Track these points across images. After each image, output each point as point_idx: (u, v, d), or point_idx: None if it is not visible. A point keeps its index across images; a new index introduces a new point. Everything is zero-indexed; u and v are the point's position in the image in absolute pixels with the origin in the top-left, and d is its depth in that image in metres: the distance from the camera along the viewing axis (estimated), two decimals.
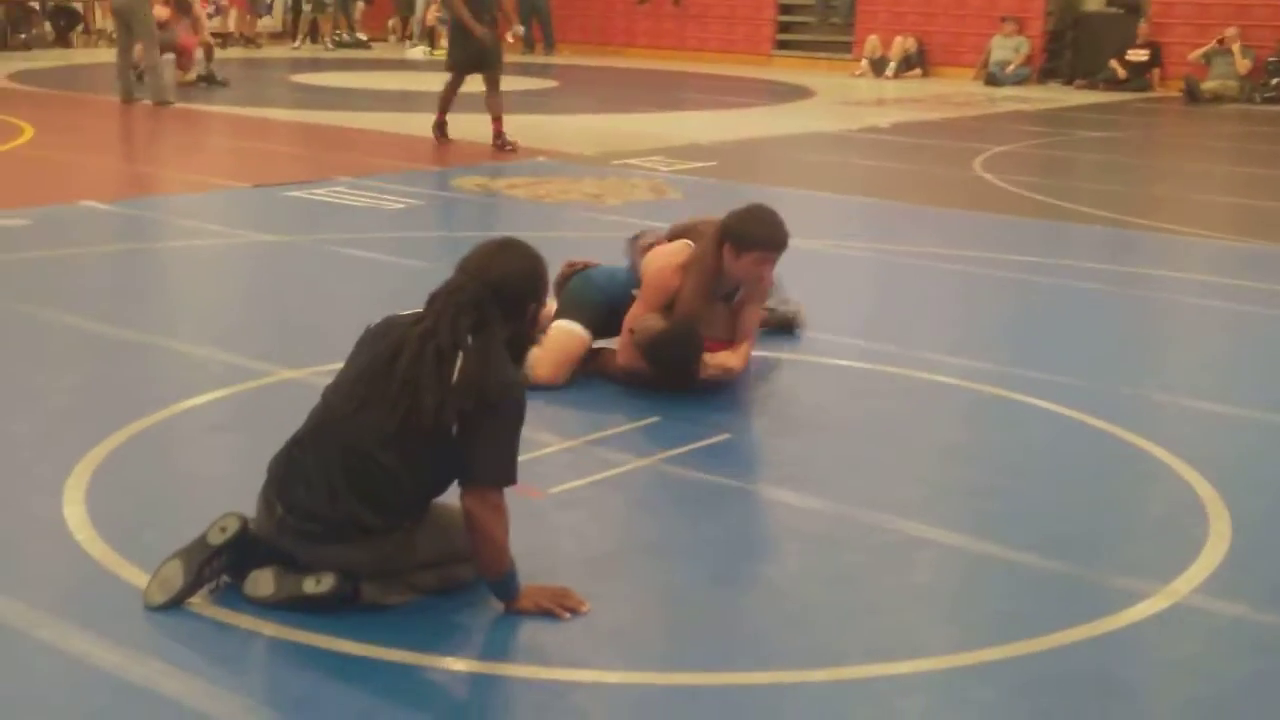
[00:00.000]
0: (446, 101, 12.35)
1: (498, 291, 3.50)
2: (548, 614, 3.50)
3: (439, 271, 7.70)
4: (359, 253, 7.86)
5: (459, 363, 3.41)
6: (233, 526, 3.53)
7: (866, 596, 3.77)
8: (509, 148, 12.03)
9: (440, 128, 12.46)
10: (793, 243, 5.54)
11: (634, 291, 5.53)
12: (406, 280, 7.36)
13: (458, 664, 3.32)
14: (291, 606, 3.46)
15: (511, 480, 3.48)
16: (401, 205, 9.39)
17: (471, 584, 3.61)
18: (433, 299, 3.54)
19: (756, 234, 5.31)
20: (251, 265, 7.87)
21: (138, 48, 14.77)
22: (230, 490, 4.42)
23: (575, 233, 8.77)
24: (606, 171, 11.21)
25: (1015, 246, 8.78)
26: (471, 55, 11.85)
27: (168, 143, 13.23)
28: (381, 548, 3.51)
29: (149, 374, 5.60)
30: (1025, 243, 8.98)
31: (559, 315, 5.55)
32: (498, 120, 12.06)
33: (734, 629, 3.54)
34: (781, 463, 4.90)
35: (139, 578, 3.62)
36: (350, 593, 3.46)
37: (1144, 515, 4.49)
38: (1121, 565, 3.98)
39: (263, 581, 3.50)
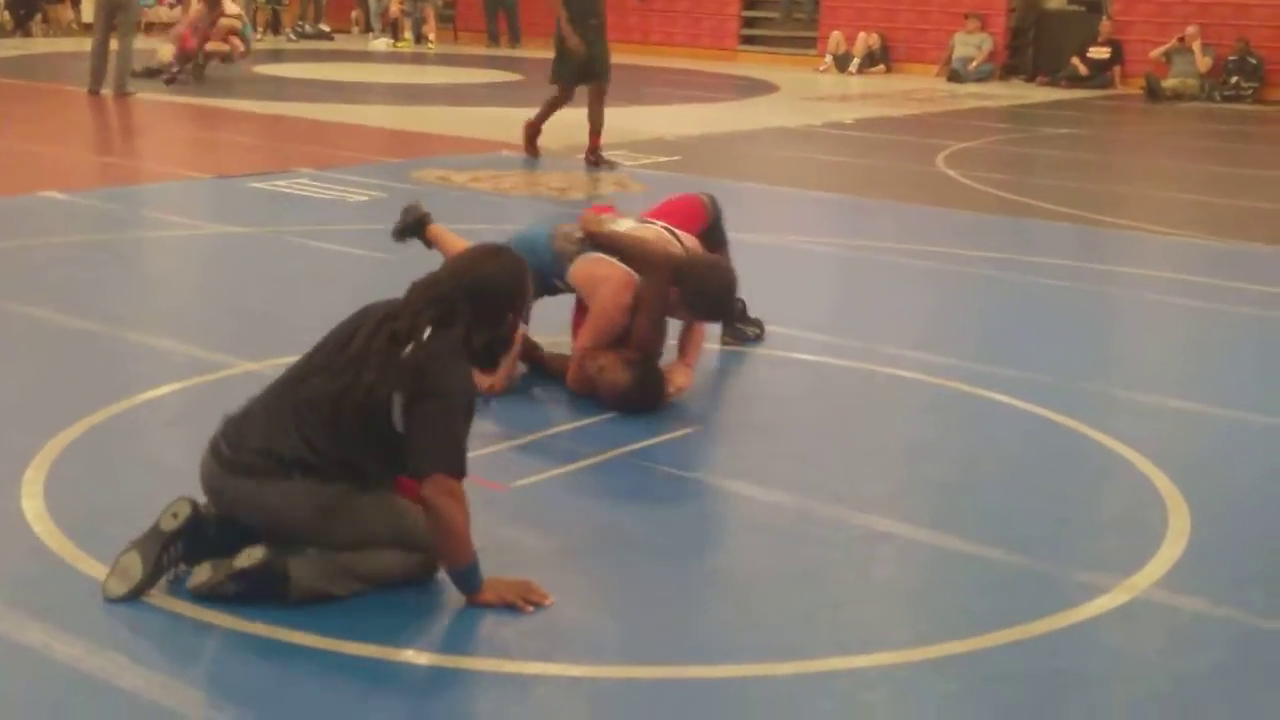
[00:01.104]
0: (545, 116, 11.40)
1: (472, 294, 3.53)
2: (510, 607, 3.49)
3: (401, 263, 7.67)
4: (321, 244, 7.82)
5: (408, 350, 3.45)
6: (184, 511, 3.51)
7: (829, 591, 3.78)
8: (605, 165, 11.13)
9: (532, 140, 11.44)
10: (757, 238, 5.55)
11: (558, 282, 5.43)
12: (368, 272, 7.34)
13: (419, 657, 3.31)
14: (227, 591, 3.41)
15: (460, 469, 3.46)
16: (364, 197, 9.34)
17: (428, 579, 3.59)
18: (410, 289, 3.60)
19: (707, 307, 5.22)
20: (212, 257, 7.82)
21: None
22: (190, 482, 4.37)
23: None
24: (571, 165, 11.18)
25: (979, 242, 8.81)
26: (579, 65, 11.01)
27: (129, 133, 13.14)
28: (324, 493, 3.46)
29: (108, 366, 5.55)
30: (989, 239, 9.02)
31: None
32: (597, 135, 11.21)
33: (697, 623, 3.54)
34: (745, 457, 4.90)
35: (97, 570, 3.59)
36: (280, 569, 3.39)
37: (1105, 510, 4.51)
38: (1082, 560, 4.00)
39: (199, 571, 3.47)
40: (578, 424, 5.01)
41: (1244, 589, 3.85)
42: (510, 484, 4.37)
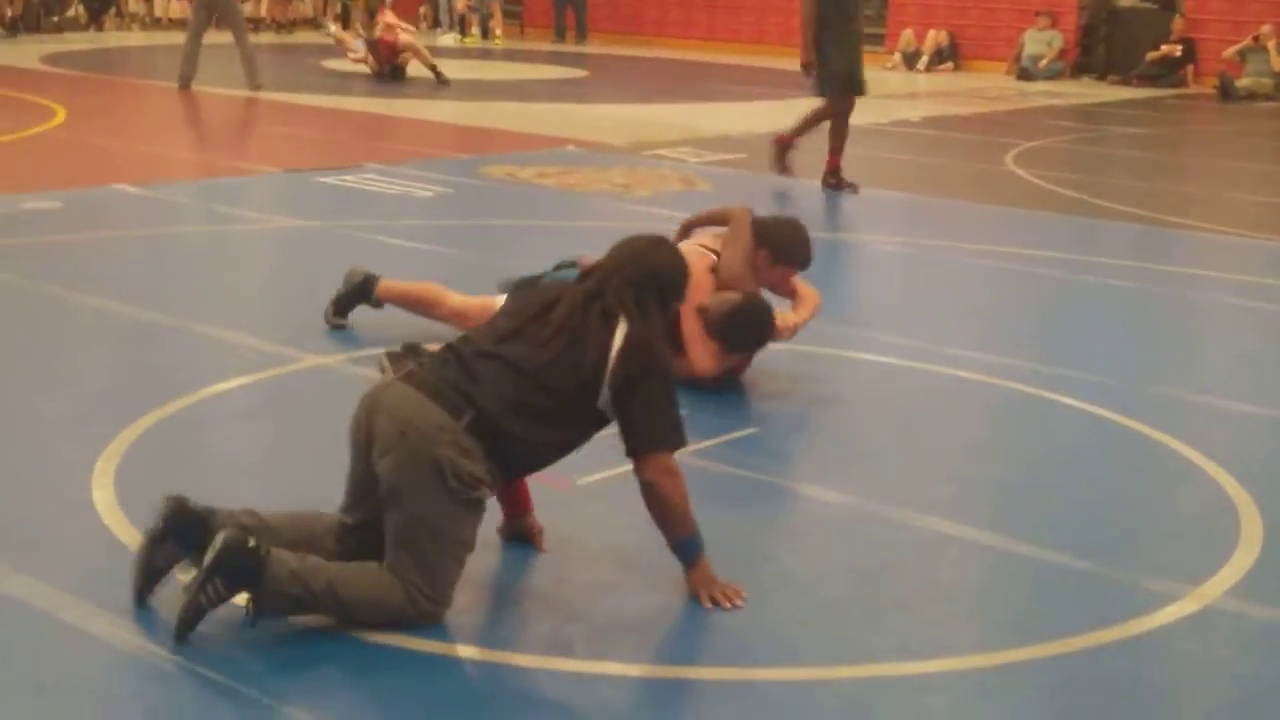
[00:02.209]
0: (805, 130, 10.42)
1: (655, 279, 3.59)
2: (715, 601, 3.54)
3: (469, 259, 7.74)
4: (390, 239, 7.86)
5: (623, 329, 3.47)
6: (163, 508, 3.39)
7: (894, 593, 3.75)
8: (848, 188, 10.15)
9: (784, 155, 10.40)
10: (822, 236, 5.55)
11: None
12: (435, 266, 7.36)
13: (481, 655, 3.31)
14: (204, 600, 3.24)
15: (683, 441, 3.54)
16: (430, 193, 9.39)
17: (409, 628, 3.36)
18: (590, 270, 3.63)
19: (796, 252, 5.46)
20: (282, 251, 7.89)
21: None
22: (256, 475, 4.44)
23: (603, 222, 8.75)
24: (636, 161, 11.18)
25: (1046, 243, 8.73)
26: (843, 74, 10.04)
27: (199, 127, 13.28)
28: (467, 456, 3.33)
29: (178, 358, 5.61)
30: (1056, 239, 8.93)
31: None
32: (838, 153, 10.22)
33: (760, 624, 3.53)
34: (808, 457, 4.89)
35: None
36: (259, 553, 3.23)
37: (1175, 516, 4.46)
38: (1151, 567, 3.95)
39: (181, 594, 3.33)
40: None
41: None
42: (574, 481, 4.37)
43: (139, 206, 8.62)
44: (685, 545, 3.58)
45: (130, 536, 3.80)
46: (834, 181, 10.15)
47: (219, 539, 3.22)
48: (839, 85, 10.10)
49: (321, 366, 5.49)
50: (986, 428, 5.28)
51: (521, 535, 3.91)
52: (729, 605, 3.57)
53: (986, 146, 13.19)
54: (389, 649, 3.29)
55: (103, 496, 4.07)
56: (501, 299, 5.52)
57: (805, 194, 10.09)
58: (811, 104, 10.41)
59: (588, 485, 4.35)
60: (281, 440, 4.83)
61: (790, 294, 5.58)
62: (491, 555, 3.85)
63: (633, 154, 11.57)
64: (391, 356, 5.19)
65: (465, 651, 3.31)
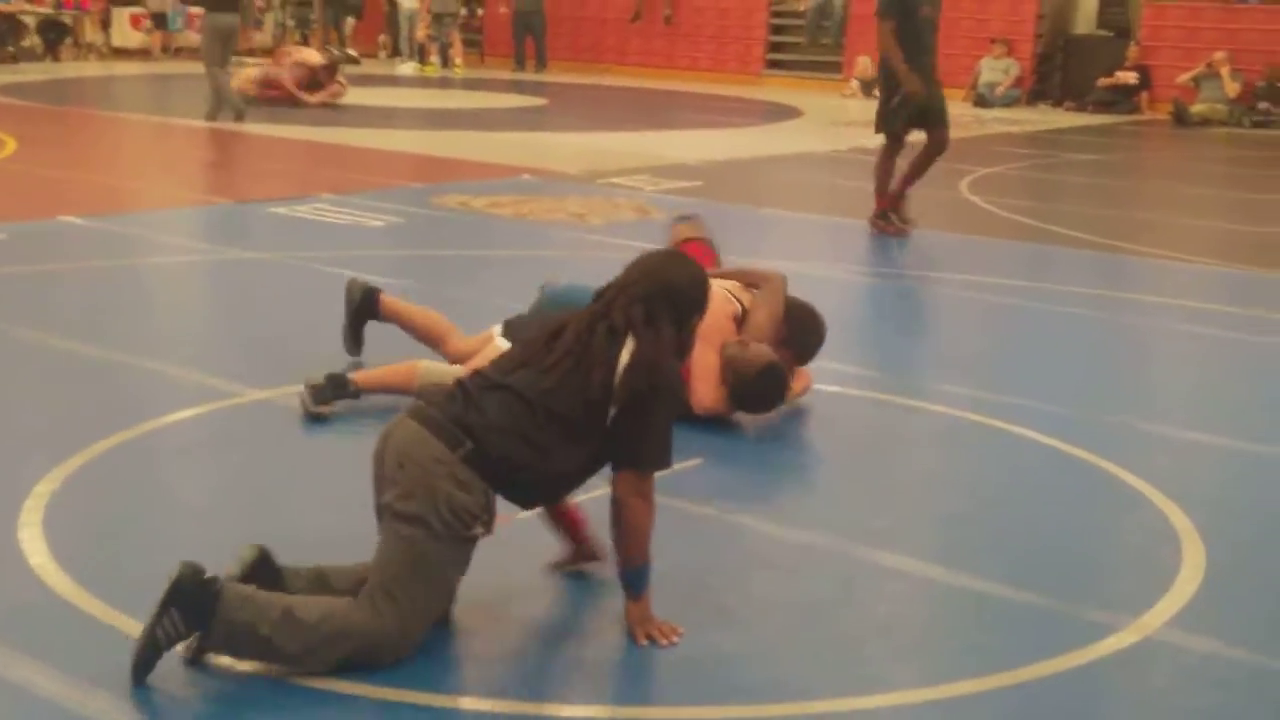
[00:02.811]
0: (886, 177, 9.87)
1: (669, 295, 3.53)
2: (650, 638, 3.49)
3: (420, 290, 7.67)
4: (339, 270, 7.78)
5: (629, 345, 3.43)
6: (249, 556, 3.35)
7: (835, 629, 3.71)
8: (891, 230, 9.70)
9: (886, 213, 9.79)
10: (777, 266, 5.55)
11: None
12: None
13: (444, 700, 3.25)
14: (167, 631, 3.15)
15: (667, 463, 3.50)
16: (382, 223, 9.33)
17: (377, 667, 3.29)
18: (602, 291, 3.58)
19: (807, 349, 5.54)
20: (229, 283, 7.81)
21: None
22: (193, 513, 4.37)
23: (556, 252, 8.72)
24: (591, 190, 11.16)
25: (1001, 270, 8.74)
26: (916, 109, 9.56)
27: (151, 158, 13.18)
28: (468, 490, 3.33)
29: (117, 394, 5.53)
30: (1011, 266, 8.94)
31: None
32: (883, 194, 9.83)
33: (699, 661, 3.47)
34: (753, 489, 4.85)
35: (88, 602, 3.55)
36: (212, 586, 3.17)
37: (1118, 546, 4.43)
38: (1094, 597, 3.92)
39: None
40: None
41: (1258, 628, 3.78)
42: (514, 515, 4.31)
43: (85, 239, 8.54)
44: (635, 575, 3.53)
45: (56, 578, 3.73)
46: (882, 223, 9.75)
47: (175, 571, 3.16)
48: (902, 120, 9.62)
49: (264, 400, 5.42)
50: (935, 458, 5.25)
51: (586, 556, 3.88)
52: (665, 643, 3.51)
53: (942, 173, 13.15)
54: (346, 698, 3.21)
55: (29, 535, 3.99)
56: (498, 331, 5.50)
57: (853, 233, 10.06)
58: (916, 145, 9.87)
59: (529, 518, 4.29)
60: (218, 476, 4.76)
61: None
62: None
63: (588, 183, 11.55)
64: (312, 388, 5.16)
65: (395, 695, 3.24)
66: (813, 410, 5.62)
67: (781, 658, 3.52)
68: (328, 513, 4.40)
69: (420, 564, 3.31)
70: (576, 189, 11.18)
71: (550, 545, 3.95)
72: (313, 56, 17.27)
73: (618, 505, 3.46)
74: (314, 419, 5.14)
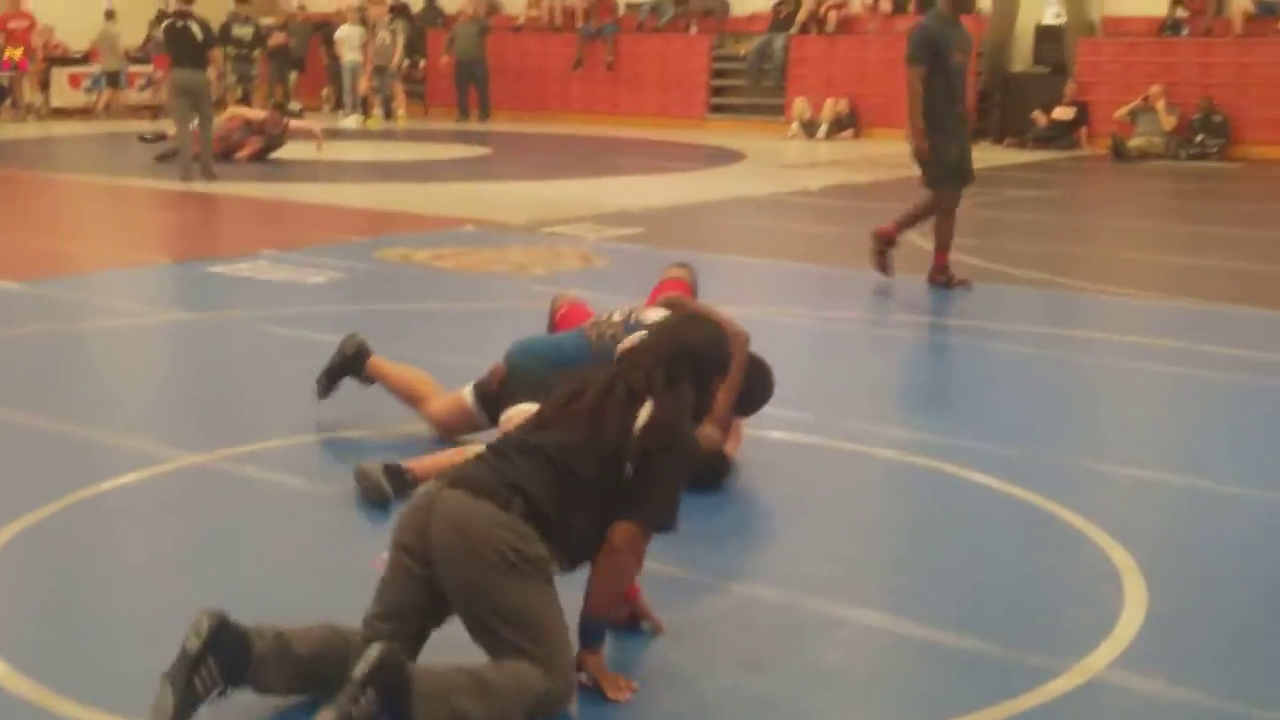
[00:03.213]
0: (911, 224, 9.66)
1: (691, 357, 3.60)
2: (600, 689, 3.47)
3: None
4: (276, 329, 7.74)
5: (648, 407, 3.46)
6: (204, 624, 3.22)
7: (778, 682, 3.67)
8: (957, 284, 9.26)
9: (884, 252, 9.49)
10: (720, 310, 5.50)
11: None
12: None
13: None
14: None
15: (673, 525, 3.49)
16: (324, 279, 9.28)
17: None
18: (625, 354, 3.65)
19: (752, 405, 5.36)
20: (166, 345, 7.73)
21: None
22: (125, 584, 4.29)
23: (498, 303, 8.69)
24: (534, 240, 11.15)
25: (943, 310, 8.77)
26: (955, 163, 9.34)
27: (90, 219, 13.07)
28: (527, 543, 3.31)
29: (53, 461, 5.44)
30: (952, 306, 8.97)
31: (513, 397, 5.19)
32: (946, 250, 9.38)
33: (645, 718, 3.43)
34: (697, 539, 4.79)
35: (26, 686, 3.47)
36: (403, 670, 3.14)
37: (1061, 587, 4.42)
38: (1037, 641, 3.91)
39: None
40: None
41: (1203, 667, 3.77)
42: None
43: (20, 304, 8.44)
44: (598, 626, 3.52)
45: None
46: (943, 279, 9.26)
47: (375, 652, 3.10)
48: (952, 176, 9.36)
49: (200, 465, 5.35)
50: (878, 503, 5.24)
51: (633, 620, 3.87)
52: (623, 698, 3.48)
53: (884, 214, 13.20)
54: None
55: None
56: (468, 393, 5.43)
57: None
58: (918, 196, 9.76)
59: None
60: (159, 544, 4.68)
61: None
62: None
63: (531, 232, 11.54)
64: (372, 475, 4.91)
65: None
66: (756, 458, 5.59)
67: (725, 713, 3.49)
68: (270, 577, 4.34)
69: (533, 618, 3.30)
70: (519, 239, 11.17)
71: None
72: (255, 113, 17.25)
73: (610, 554, 3.45)
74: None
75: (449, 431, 5.54)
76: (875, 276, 9.78)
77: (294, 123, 17.15)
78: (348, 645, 3.35)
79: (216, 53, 15.03)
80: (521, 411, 5.06)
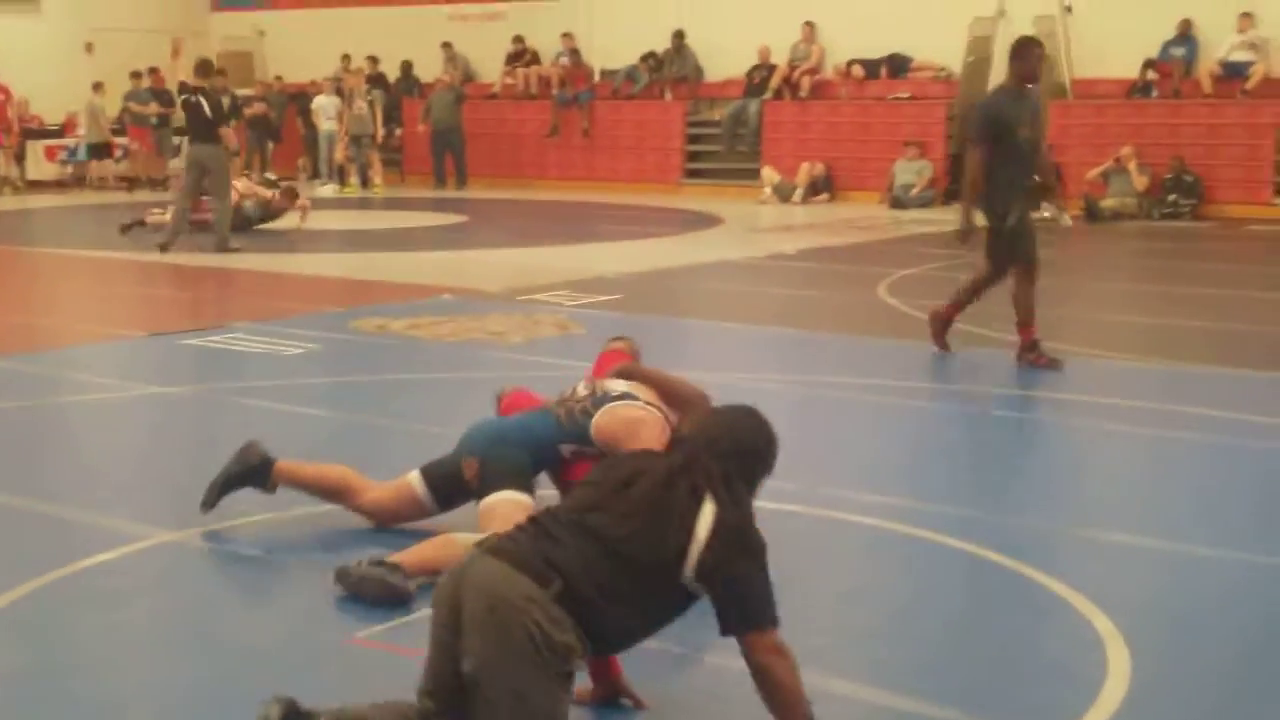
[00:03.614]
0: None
1: (743, 453, 3.61)
2: None
3: (334, 419, 7.56)
4: (251, 401, 7.70)
5: (709, 508, 3.43)
6: (275, 714, 3.30)
7: None
8: (1043, 361, 8.80)
9: (943, 332, 9.24)
10: (696, 377, 5.51)
11: (568, 449, 5.23)
12: (298, 429, 7.22)
13: None
14: None
15: (777, 620, 3.44)
16: (300, 350, 9.25)
17: None
18: (681, 443, 3.63)
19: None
20: (140, 419, 7.68)
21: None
22: (99, 666, 4.23)
23: (475, 373, 8.66)
24: (512, 308, 11.14)
25: (918, 374, 8.77)
26: (1026, 235, 8.98)
27: (64, 292, 13.02)
28: (560, 628, 3.29)
29: (22, 541, 5.40)
30: (928, 370, 8.98)
31: (492, 485, 5.12)
32: (1027, 327, 8.92)
33: None
34: None
35: None
36: None
37: (1042, 655, 4.40)
38: (1020, 711, 3.88)
39: None
40: None
41: None
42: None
43: None
44: None
45: None
46: (1033, 356, 8.80)
47: None
48: (1022, 248, 8.96)
49: (172, 543, 5.30)
50: (859, 571, 5.21)
51: (613, 697, 3.82)
52: None
53: (860, 277, 13.34)
54: None
55: None
56: (416, 479, 5.34)
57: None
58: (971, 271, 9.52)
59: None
60: (122, 628, 4.62)
61: None
62: None
63: (508, 300, 11.54)
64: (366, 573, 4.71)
65: None
66: None
67: None
68: (246, 658, 4.29)
69: (535, 712, 3.26)
70: (496, 307, 11.16)
71: None
72: (264, 192, 17.39)
73: (760, 672, 3.41)
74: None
75: (393, 520, 5.35)
76: (852, 341, 9.80)
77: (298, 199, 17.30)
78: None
79: (228, 131, 15.18)
80: (506, 500, 5.03)
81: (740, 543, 3.44)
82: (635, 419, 5.17)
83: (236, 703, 3.94)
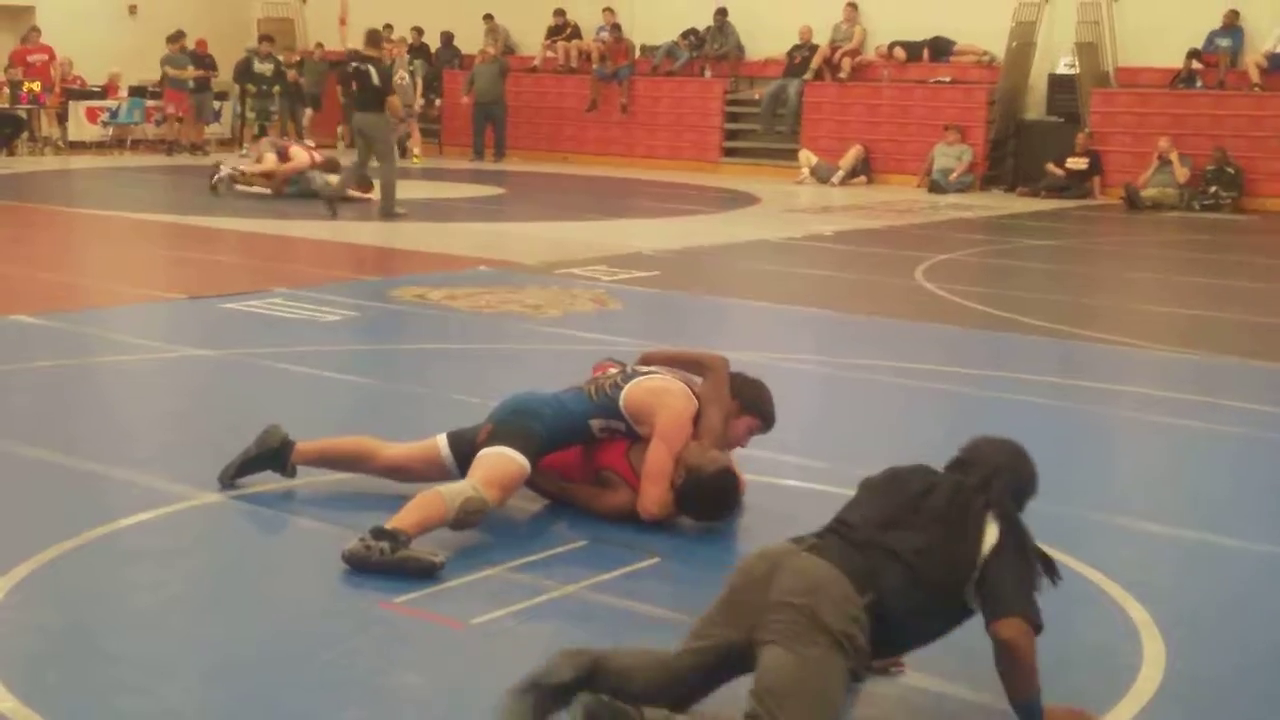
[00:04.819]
0: None
1: (1027, 487, 3.93)
2: None
3: (370, 386, 7.61)
4: (289, 366, 7.75)
5: (994, 528, 3.67)
6: (568, 671, 3.44)
7: None
8: None
9: None
10: (732, 356, 5.54)
11: (600, 424, 5.32)
12: (336, 395, 7.26)
13: None
14: None
15: (1041, 624, 3.63)
16: (337, 317, 9.29)
17: None
18: (966, 465, 3.87)
19: (764, 405, 5.46)
20: (177, 382, 7.73)
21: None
22: (137, 624, 4.28)
23: (512, 344, 8.71)
24: (549, 281, 11.16)
25: (954, 358, 8.76)
26: None
27: (105, 254, 13.12)
28: (861, 618, 3.50)
29: (67, 498, 5.44)
30: (964, 354, 8.96)
31: (494, 444, 5.17)
32: None
33: None
34: (712, 588, 4.77)
35: None
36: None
37: (1077, 643, 4.39)
38: (1054, 697, 3.86)
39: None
40: (540, 555, 4.89)
41: None
42: (467, 621, 4.25)
43: (36, 338, 8.46)
44: (1030, 708, 3.59)
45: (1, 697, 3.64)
46: None
47: (580, 705, 3.32)
48: None
49: (213, 504, 5.35)
50: None
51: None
52: None
53: (897, 260, 13.31)
54: None
55: None
56: (443, 442, 5.39)
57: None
58: None
59: (480, 625, 4.24)
60: (163, 584, 4.67)
61: (732, 445, 5.48)
62: (371, 702, 3.73)
63: (545, 273, 11.56)
64: (373, 541, 4.64)
65: None
66: (773, 506, 5.57)
67: None
68: (280, 618, 4.33)
69: (823, 693, 3.41)
70: (533, 280, 11.19)
71: (508, 651, 3.87)
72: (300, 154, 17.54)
73: (1007, 646, 3.56)
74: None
75: (410, 478, 5.35)
76: (887, 324, 9.79)
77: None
78: (672, 673, 3.57)
79: (394, 99, 15.56)
80: (496, 452, 5.10)
81: (1019, 557, 3.66)
82: (662, 389, 5.34)
83: (275, 664, 3.99)
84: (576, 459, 5.42)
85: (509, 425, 5.24)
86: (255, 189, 17.04)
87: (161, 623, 4.33)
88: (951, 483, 3.78)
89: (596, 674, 3.45)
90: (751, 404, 5.43)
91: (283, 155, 17.25)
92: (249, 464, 5.47)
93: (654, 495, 5.18)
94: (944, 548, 3.64)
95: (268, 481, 5.50)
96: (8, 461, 5.85)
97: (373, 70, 15.21)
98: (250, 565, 4.86)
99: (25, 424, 6.43)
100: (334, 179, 16.45)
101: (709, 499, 5.18)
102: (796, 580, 3.50)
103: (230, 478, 5.45)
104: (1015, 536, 3.69)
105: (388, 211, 15.27)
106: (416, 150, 23.70)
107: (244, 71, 24.56)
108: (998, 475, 3.80)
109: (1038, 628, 3.60)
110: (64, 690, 3.72)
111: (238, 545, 5.08)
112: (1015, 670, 3.56)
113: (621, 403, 5.30)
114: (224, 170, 17.26)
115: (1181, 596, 4.76)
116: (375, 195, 16.02)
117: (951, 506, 3.70)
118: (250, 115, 24.78)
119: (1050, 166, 20.44)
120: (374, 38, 15.84)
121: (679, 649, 3.61)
